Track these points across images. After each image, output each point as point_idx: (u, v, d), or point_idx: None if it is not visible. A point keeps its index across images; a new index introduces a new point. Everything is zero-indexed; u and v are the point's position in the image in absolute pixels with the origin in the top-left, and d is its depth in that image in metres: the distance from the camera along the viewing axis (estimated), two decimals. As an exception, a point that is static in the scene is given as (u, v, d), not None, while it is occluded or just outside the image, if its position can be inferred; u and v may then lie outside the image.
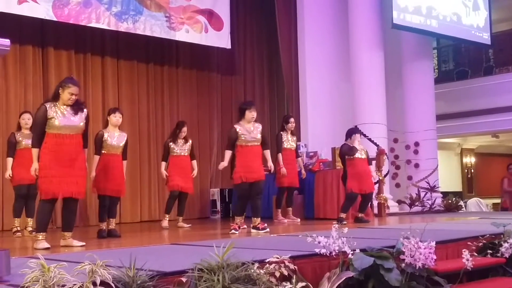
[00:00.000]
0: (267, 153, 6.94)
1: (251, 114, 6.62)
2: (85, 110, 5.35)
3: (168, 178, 7.97)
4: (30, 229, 6.99)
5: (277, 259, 3.12)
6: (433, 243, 3.50)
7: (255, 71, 11.79)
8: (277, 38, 11.11)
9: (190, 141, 8.15)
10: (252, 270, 2.87)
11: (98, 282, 2.37)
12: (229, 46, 10.53)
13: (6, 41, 2.72)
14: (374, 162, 9.33)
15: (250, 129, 6.63)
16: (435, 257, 3.48)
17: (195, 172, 8.16)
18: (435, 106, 11.94)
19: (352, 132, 8.04)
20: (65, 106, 5.19)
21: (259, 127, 6.74)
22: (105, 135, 6.52)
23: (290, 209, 8.64)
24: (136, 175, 9.67)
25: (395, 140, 11.90)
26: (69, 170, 5.14)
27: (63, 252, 4.64)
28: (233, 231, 6.40)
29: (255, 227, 6.52)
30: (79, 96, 5.40)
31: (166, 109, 10.38)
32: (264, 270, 2.97)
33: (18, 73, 8.65)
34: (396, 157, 12.02)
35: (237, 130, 6.60)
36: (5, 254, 2.68)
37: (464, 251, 3.85)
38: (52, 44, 9.03)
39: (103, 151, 6.51)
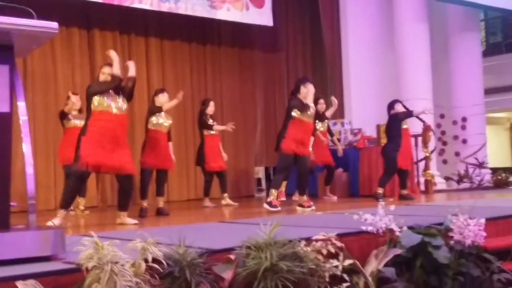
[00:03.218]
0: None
1: (305, 89, 6.54)
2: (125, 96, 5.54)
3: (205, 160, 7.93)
4: (82, 208, 7.17)
5: (324, 237, 3.12)
6: (483, 220, 3.44)
7: (298, 48, 11.70)
8: (319, 14, 10.98)
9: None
10: (299, 248, 2.88)
11: (150, 259, 2.43)
12: (271, 24, 10.47)
13: (54, 24, 2.76)
14: (420, 138, 9.21)
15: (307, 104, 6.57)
16: (484, 234, 3.42)
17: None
18: (483, 80, 11.64)
19: (394, 102, 7.95)
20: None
21: (313, 106, 6.71)
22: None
23: (328, 187, 8.69)
24: (182, 154, 9.79)
25: (442, 116, 11.69)
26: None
27: (114, 230, 4.75)
28: (272, 208, 6.22)
29: (300, 205, 6.53)
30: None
31: (210, 88, 10.43)
32: (311, 248, 2.98)
33: (66, 55, 8.83)
34: (443, 133, 11.82)
35: (301, 99, 6.50)
36: (60, 232, 2.76)
37: (515, 228, 3.78)
38: (97, 25, 9.18)
39: (152, 128, 6.59)
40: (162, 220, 6.01)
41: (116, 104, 5.31)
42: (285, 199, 7.27)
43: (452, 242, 3.45)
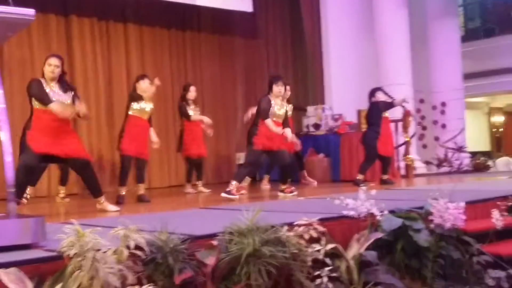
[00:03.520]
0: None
1: (277, 88, 6.52)
2: (72, 92, 5.37)
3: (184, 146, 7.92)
4: (62, 195, 7.15)
5: (306, 222, 3.14)
6: (462, 204, 3.49)
7: (278, 34, 11.66)
8: (299, 0, 10.96)
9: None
10: (282, 233, 2.90)
11: (132, 246, 2.42)
12: (250, 9, 10.43)
13: (31, 11, 2.72)
14: (400, 124, 9.28)
15: (278, 104, 6.56)
16: (464, 217, 3.46)
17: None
18: (462, 65, 11.75)
19: (375, 90, 7.98)
20: (52, 84, 5.24)
21: (287, 106, 6.72)
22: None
23: (304, 171, 8.70)
24: (162, 141, 9.63)
25: (421, 101, 11.78)
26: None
27: (95, 217, 4.73)
28: (230, 196, 6.16)
29: (282, 191, 6.55)
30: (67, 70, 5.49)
31: (190, 74, 10.37)
32: (293, 233, 3.00)
33: (43, 42, 8.70)
34: (423, 117, 11.93)
35: (271, 100, 6.51)
36: (41, 220, 2.74)
37: (494, 211, 3.83)
38: (75, 12, 9.04)
39: (132, 113, 6.57)
40: (144, 207, 6.00)
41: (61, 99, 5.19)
42: (246, 192, 7.19)
43: (432, 225, 3.49)
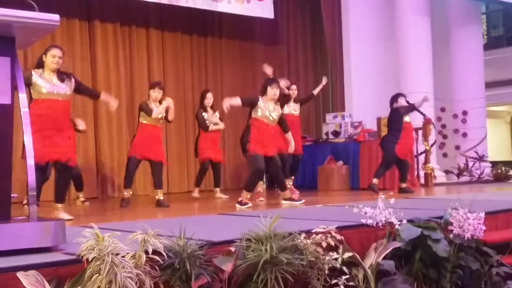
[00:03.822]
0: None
1: (272, 91, 6.40)
2: (73, 79, 5.31)
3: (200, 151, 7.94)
4: (82, 199, 7.22)
5: (324, 230, 3.13)
6: (482, 214, 3.45)
7: (299, 41, 11.68)
8: (320, 6, 10.95)
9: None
10: (299, 240, 2.90)
11: (150, 251, 2.44)
12: (272, 16, 10.45)
13: (56, 17, 2.76)
14: (420, 132, 9.22)
15: (270, 108, 6.41)
16: (484, 227, 3.43)
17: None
18: (484, 74, 11.63)
19: (398, 96, 7.94)
20: (51, 74, 5.15)
21: (279, 109, 6.57)
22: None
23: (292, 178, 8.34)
24: (182, 146, 9.81)
25: (442, 109, 11.68)
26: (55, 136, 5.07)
27: (115, 221, 4.77)
28: (243, 206, 6.05)
29: (290, 199, 6.44)
30: (66, 64, 5.41)
31: (210, 79, 10.43)
32: (310, 240, 2.99)
33: (66, 46, 8.77)
34: (443, 126, 11.83)
35: (259, 99, 6.40)
36: (61, 223, 2.77)
37: (514, 222, 3.79)
38: (98, 17, 9.17)
39: (144, 121, 6.66)
40: (162, 212, 6.03)
41: (58, 90, 5.14)
42: (263, 199, 7.13)
43: (451, 235, 3.46)
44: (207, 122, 7.92)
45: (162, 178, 6.84)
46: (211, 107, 8.04)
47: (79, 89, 5.40)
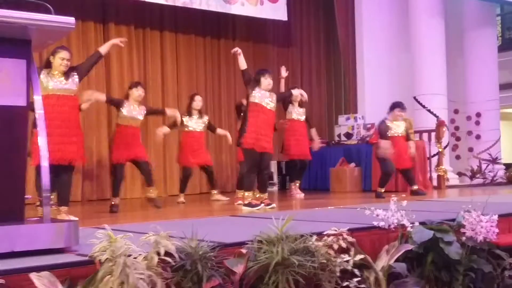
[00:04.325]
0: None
1: (266, 81, 6.35)
2: (75, 75, 5.26)
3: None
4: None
5: (335, 232, 3.13)
6: (495, 217, 3.43)
7: (312, 43, 11.68)
8: (333, 8, 10.95)
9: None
10: (311, 242, 2.90)
11: (162, 252, 2.45)
12: (285, 18, 10.46)
13: (71, 20, 2.78)
14: (433, 134, 9.18)
15: (266, 95, 6.37)
16: (497, 230, 3.41)
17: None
18: (498, 75, 11.55)
19: (394, 106, 7.85)
20: (59, 74, 5.15)
21: (275, 99, 6.49)
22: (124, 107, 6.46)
23: (298, 182, 8.35)
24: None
25: (456, 111, 11.62)
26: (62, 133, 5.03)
27: (127, 223, 4.79)
28: (253, 207, 5.90)
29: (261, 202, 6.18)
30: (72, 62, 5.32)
31: (223, 82, 10.46)
32: (322, 243, 2.99)
33: (81, 48, 8.89)
34: (457, 128, 11.76)
35: (255, 89, 6.32)
36: (74, 225, 2.79)
37: (528, 225, 3.77)
38: (112, 19, 9.26)
39: (122, 123, 6.42)
40: (173, 213, 6.04)
41: (64, 87, 5.14)
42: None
43: (464, 238, 3.44)
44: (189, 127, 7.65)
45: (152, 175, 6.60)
46: (199, 111, 7.80)
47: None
